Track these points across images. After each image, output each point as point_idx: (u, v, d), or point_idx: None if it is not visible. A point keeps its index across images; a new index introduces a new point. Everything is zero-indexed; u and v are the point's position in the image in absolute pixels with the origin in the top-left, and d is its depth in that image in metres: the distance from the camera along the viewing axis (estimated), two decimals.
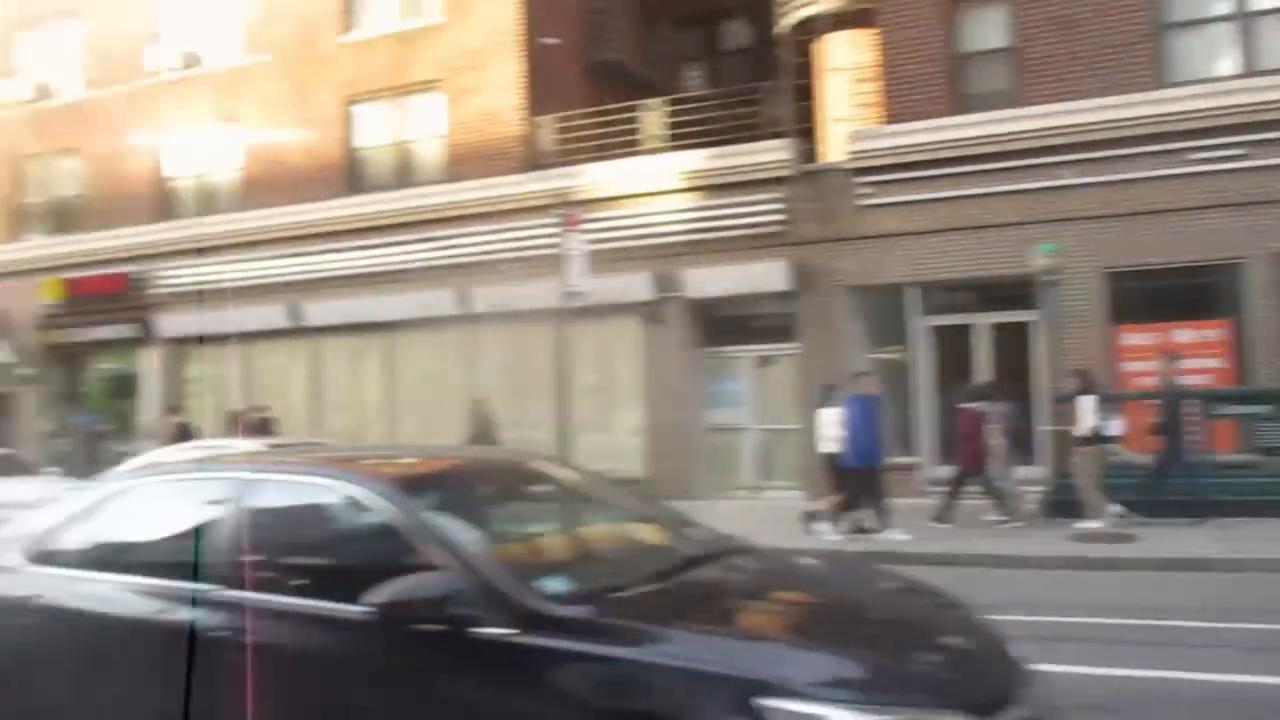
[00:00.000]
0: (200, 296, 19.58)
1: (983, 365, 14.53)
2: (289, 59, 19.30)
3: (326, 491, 4.00)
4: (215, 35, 20.18)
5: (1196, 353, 13.25)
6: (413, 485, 3.93)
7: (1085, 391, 11.19)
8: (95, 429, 20.22)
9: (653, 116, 16.90)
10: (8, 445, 19.73)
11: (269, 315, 18.81)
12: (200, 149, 20.26)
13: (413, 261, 17.73)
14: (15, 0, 22.24)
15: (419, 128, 18.52)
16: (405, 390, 18.26)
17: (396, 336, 18.34)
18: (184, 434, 19.00)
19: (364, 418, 18.55)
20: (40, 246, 21.63)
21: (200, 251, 19.58)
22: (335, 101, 18.87)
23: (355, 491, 3.84)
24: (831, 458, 11.89)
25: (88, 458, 19.44)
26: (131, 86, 20.68)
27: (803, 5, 16.22)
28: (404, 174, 18.45)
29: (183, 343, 20.06)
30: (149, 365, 20.36)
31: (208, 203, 20.08)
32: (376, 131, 18.85)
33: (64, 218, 21.79)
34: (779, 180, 15.51)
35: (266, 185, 19.29)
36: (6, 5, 22.32)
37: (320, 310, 18.55)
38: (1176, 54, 13.91)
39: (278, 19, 19.44)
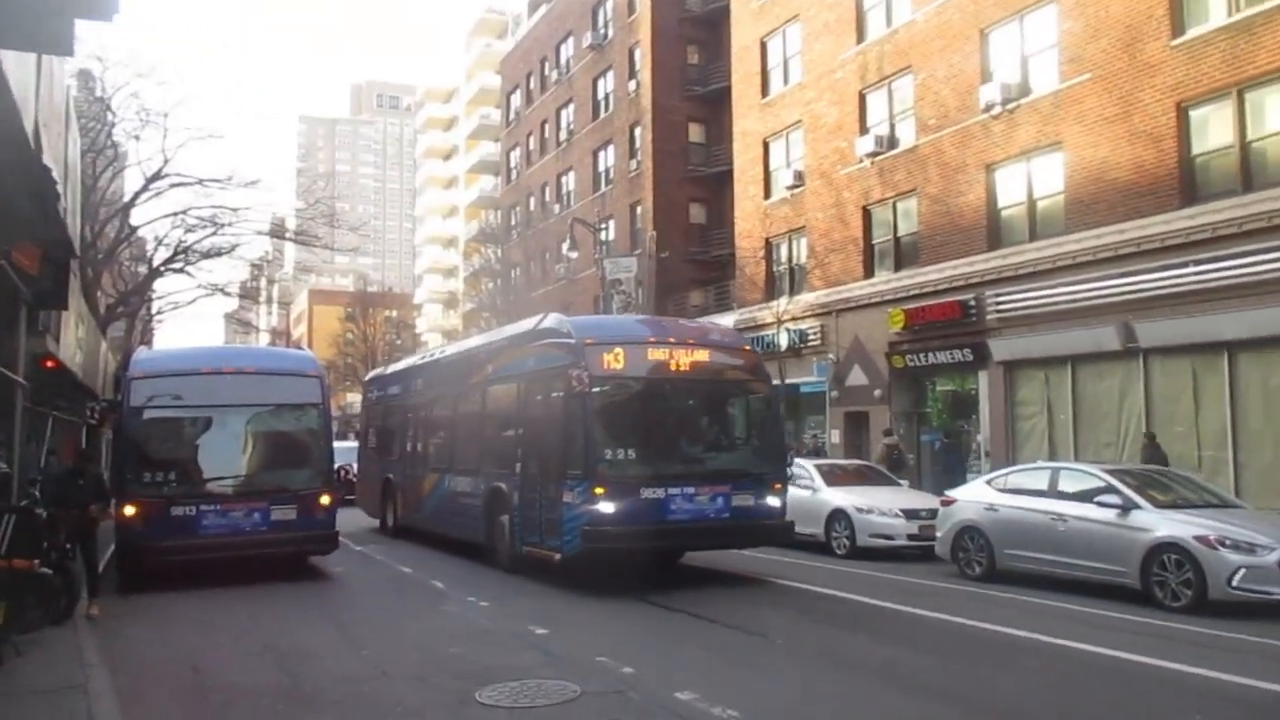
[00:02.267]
0: (1030, 320, 20.21)
1: None
2: (1111, 74, 18.91)
3: None
4: (1038, 65, 20.68)
5: None
6: None
7: None
8: (937, 445, 22.08)
9: None
10: (864, 459, 22.62)
11: (1098, 337, 18.64)
12: (1026, 177, 20.92)
13: (1257, 274, 16.05)
14: (861, 68, 25.48)
15: (1266, 124, 16.70)
16: (1251, 417, 16.60)
17: (1239, 357, 16.78)
18: (895, 456, 20.57)
19: (1202, 445, 17.30)
20: (886, 281, 24.39)
21: (1030, 276, 20.22)
22: (1165, 110, 17.95)
23: None
24: None
25: (937, 470, 21.38)
26: (961, 126, 22.24)
27: None
28: (1249, 177, 16.78)
29: (1014, 366, 20.90)
30: (983, 387, 21.59)
31: (1036, 228, 20.62)
32: (1215, 135, 17.48)
33: (905, 254, 24.27)
34: None
35: (1092, 205, 19.16)
36: (856, 75, 25.67)
37: (1153, 330, 17.80)
38: None
39: (1097, 37, 19.19)
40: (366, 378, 27.15)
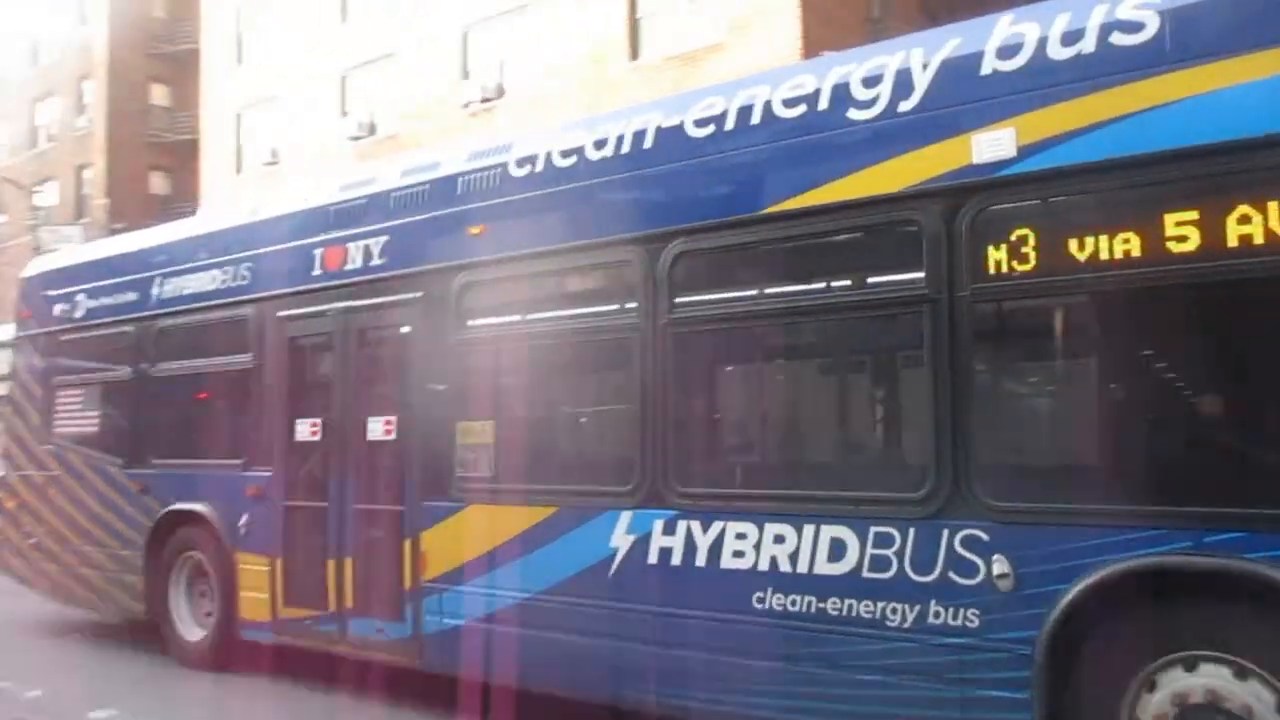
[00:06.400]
0: None
1: None
2: (580, 84, 20.21)
3: None
4: (520, 68, 21.53)
5: None
6: None
7: None
8: None
9: None
10: None
11: None
12: None
13: None
14: (346, 47, 24.75)
15: None
16: None
17: None
18: None
19: None
20: None
21: None
22: None
23: None
24: None
25: None
26: (442, 119, 22.45)
27: None
28: None
29: None
30: None
31: None
32: None
33: None
34: None
35: None
36: (341, 54, 24.86)
37: None
38: None
39: (572, 48, 20.43)
40: (32, 272, 10.21)
